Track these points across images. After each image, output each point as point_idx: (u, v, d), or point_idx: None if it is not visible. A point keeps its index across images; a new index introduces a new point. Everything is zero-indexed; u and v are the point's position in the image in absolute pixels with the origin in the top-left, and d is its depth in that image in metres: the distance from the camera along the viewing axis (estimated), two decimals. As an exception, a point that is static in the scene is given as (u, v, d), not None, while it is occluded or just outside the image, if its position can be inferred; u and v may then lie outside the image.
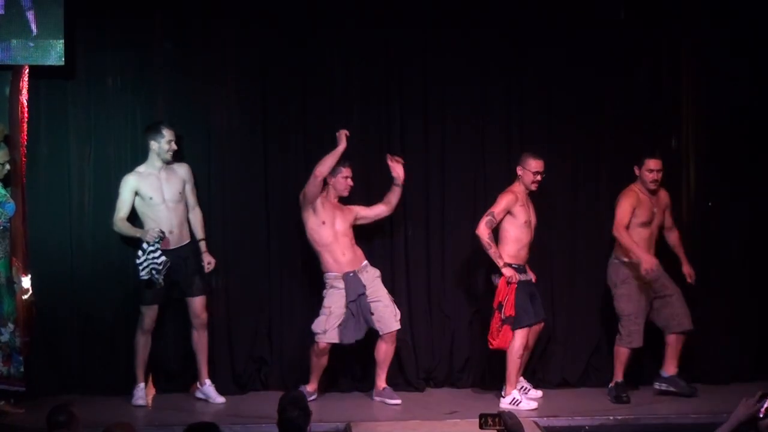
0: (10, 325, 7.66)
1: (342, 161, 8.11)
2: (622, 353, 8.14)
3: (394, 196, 8.30)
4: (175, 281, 8.02)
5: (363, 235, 8.46)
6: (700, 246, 8.63)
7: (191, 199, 8.17)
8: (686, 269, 8.32)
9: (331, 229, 8.07)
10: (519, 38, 8.66)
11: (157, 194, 7.99)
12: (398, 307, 8.39)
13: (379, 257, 8.52)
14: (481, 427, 4.49)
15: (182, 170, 8.15)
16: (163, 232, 7.85)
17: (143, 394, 8.02)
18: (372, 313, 8.07)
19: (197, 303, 8.07)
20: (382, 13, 8.55)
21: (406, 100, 8.58)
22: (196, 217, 8.19)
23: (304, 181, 8.18)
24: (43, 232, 8.18)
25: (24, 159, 8.15)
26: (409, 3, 8.58)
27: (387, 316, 8.11)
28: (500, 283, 7.98)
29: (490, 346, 8.07)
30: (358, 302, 8.02)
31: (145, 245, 7.80)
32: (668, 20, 8.74)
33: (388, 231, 8.57)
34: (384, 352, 8.16)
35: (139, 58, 8.32)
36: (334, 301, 8.02)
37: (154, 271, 7.80)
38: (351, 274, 8.06)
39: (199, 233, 8.19)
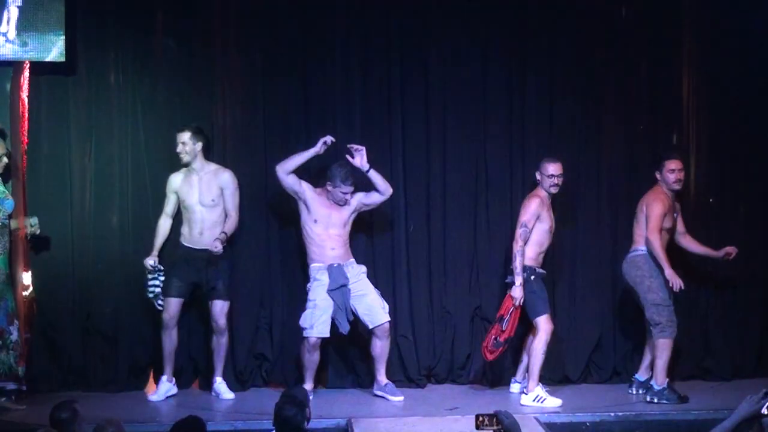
0: (17, 322, 7.65)
1: (344, 178, 8.06)
2: (667, 345, 7.93)
3: (374, 181, 8.19)
4: (196, 282, 8.06)
5: (363, 232, 8.47)
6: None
7: (229, 204, 8.12)
8: (721, 251, 8.25)
9: (324, 230, 8.07)
10: (521, 35, 8.67)
11: (189, 196, 8.04)
12: (399, 304, 8.41)
13: (380, 254, 8.53)
14: (477, 427, 4.48)
15: (223, 177, 8.12)
16: (153, 267, 7.94)
17: (164, 389, 8.05)
18: (358, 309, 8.07)
19: (216, 307, 8.09)
20: (382, 12, 8.54)
21: (408, 98, 8.58)
22: (230, 221, 8.13)
23: (304, 180, 8.22)
24: (44, 229, 8.16)
25: (24, 156, 8.15)
26: (411, 2, 8.58)
27: (375, 308, 8.09)
28: (507, 297, 7.98)
29: (486, 359, 8.10)
30: (341, 292, 8.01)
31: (147, 273, 7.94)
32: (669, 19, 8.74)
33: (389, 228, 8.57)
34: (379, 347, 8.15)
35: (140, 55, 8.32)
36: (318, 294, 8.02)
37: (154, 295, 7.94)
38: (335, 266, 8.05)
39: (227, 228, 8.08)
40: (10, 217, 7.76)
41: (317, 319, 7.98)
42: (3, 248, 7.66)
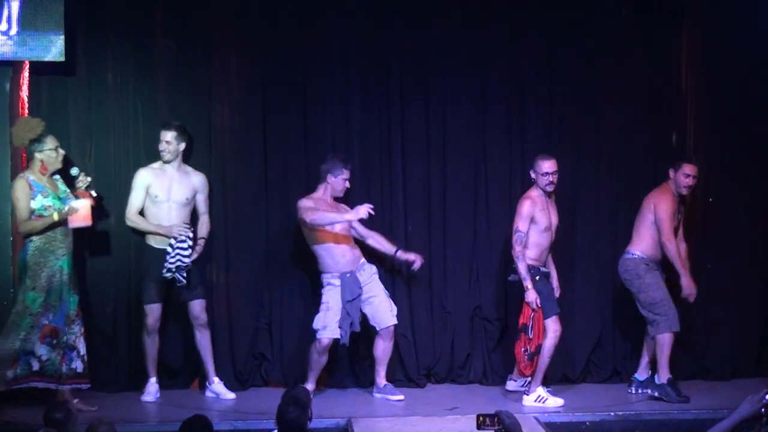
0: (75, 327, 7.63)
1: (344, 163, 8.10)
2: (666, 340, 7.95)
3: (381, 246, 8.28)
4: (171, 281, 8.00)
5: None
6: (702, 242, 8.62)
7: (202, 207, 8.16)
8: (686, 287, 8.11)
9: (331, 232, 8.05)
10: (520, 33, 8.67)
11: (163, 193, 8.00)
12: (399, 303, 8.42)
13: (379, 253, 8.51)
14: (478, 427, 4.48)
15: (197, 179, 8.14)
16: (188, 225, 7.90)
17: (153, 390, 8.04)
18: (367, 311, 8.09)
19: (196, 306, 8.08)
20: (382, 11, 8.54)
21: (407, 96, 8.58)
22: (203, 223, 8.17)
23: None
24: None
25: (24, 155, 8.13)
26: (411, 1, 8.58)
27: (383, 311, 8.11)
28: (525, 305, 7.91)
29: (525, 375, 8.02)
30: (354, 303, 8.01)
31: (172, 241, 7.85)
32: (669, 19, 8.74)
33: (389, 227, 8.57)
34: (382, 349, 8.16)
35: (139, 54, 8.31)
36: (332, 296, 8.00)
37: (179, 267, 7.83)
38: (348, 275, 8.04)
39: (202, 233, 8.14)
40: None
41: (330, 321, 7.96)
42: (67, 249, 7.64)
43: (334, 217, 7.96)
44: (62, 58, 7.99)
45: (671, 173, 8.10)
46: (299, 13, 8.48)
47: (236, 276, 8.41)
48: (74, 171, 7.83)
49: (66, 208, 7.53)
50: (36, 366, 7.47)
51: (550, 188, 8.03)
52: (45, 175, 7.65)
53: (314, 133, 8.49)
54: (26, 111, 8.13)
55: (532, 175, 8.05)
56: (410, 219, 8.63)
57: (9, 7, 7.92)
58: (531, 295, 7.86)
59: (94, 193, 7.86)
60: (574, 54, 8.68)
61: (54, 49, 7.96)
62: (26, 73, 8.13)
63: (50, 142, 7.67)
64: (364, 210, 7.78)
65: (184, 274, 7.90)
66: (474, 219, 8.65)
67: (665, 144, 8.74)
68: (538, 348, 7.90)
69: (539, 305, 7.86)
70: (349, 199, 8.35)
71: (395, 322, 8.16)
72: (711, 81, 8.76)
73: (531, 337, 7.89)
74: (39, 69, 8.11)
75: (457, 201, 8.64)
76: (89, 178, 7.87)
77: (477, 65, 8.63)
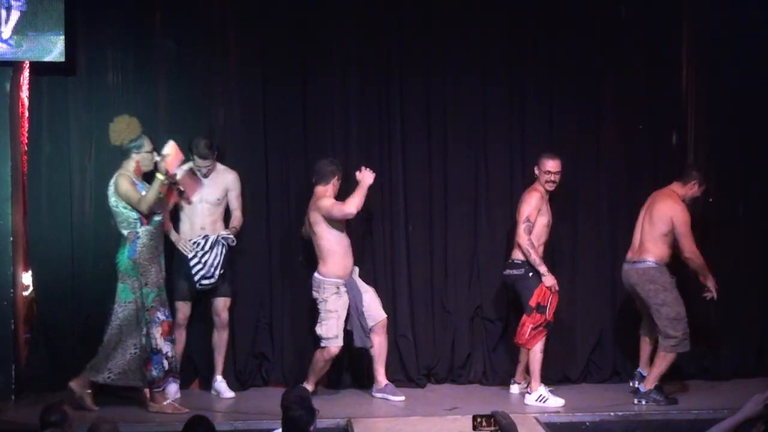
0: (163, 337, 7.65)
1: (337, 166, 8.08)
2: (671, 358, 7.92)
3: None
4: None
5: (363, 232, 8.46)
6: (701, 242, 8.60)
7: (234, 203, 8.19)
8: None
9: (346, 236, 8.05)
10: (521, 35, 8.68)
11: (195, 195, 8.02)
12: (399, 303, 8.44)
13: (379, 253, 8.53)
14: (474, 428, 4.47)
15: (229, 177, 8.16)
16: (198, 238, 7.93)
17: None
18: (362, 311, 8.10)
19: (219, 303, 8.12)
20: (383, 13, 8.55)
21: (408, 96, 8.59)
22: (236, 218, 8.19)
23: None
24: (44, 229, 8.17)
25: (25, 156, 8.14)
26: (412, 3, 8.59)
27: (374, 307, 8.12)
28: (541, 286, 7.91)
29: (517, 341, 8.03)
30: (357, 309, 8.03)
31: (188, 261, 7.92)
32: (669, 19, 8.75)
33: (389, 226, 8.58)
34: (378, 344, 8.15)
35: (140, 54, 8.32)
36: (340, 305, 7.99)
37: (205, 276, 7.91)
38: (352, 280, 8.06)
39: (235, 223, 8.16)
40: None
41: (340, 329, 7.96)
42: (164, 246, 7.71)
43: (361, 195, 7.93)
44: (62, 59, 7.97)
45: (693, 186, 8.01)
46: (299, 14, 8.48)
47: (237, 276, 8.39)
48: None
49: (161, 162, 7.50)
50: (166, 365, 7.58)
51: (550, 187, 8.04)
52: (138, 176, 7.63)
53: (314, 133, 8.49)
54: (26, 111, 8.13)
55: (536, 172, 8.06)
56: (411, 219, 8.63)
57: (9, 8, 7.91)
58: (550, 280, 7.88)
59: (182, 188, 7.93)
60: (575, 54, 8.69)
61: (54, 50, 7.95)
62: (26, 74, 8.13)
63: (147, 145, 7.63)
64: (370, 174, 7.98)
65: (219, 273, 7.93)
66: (474, 219, 8.65)
67: (665, 144, 8.75)
68: (548, 325, 7.88)
69: (556, 290, 7.90)
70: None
71: (385, 315, 8.16)
72: (711, 81, 8.77)
73: (546, 316, 7.87)
74: (39, 69, 8.11)
75: (457, 201, 8.65)
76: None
77: (477, 65, 8.64)
